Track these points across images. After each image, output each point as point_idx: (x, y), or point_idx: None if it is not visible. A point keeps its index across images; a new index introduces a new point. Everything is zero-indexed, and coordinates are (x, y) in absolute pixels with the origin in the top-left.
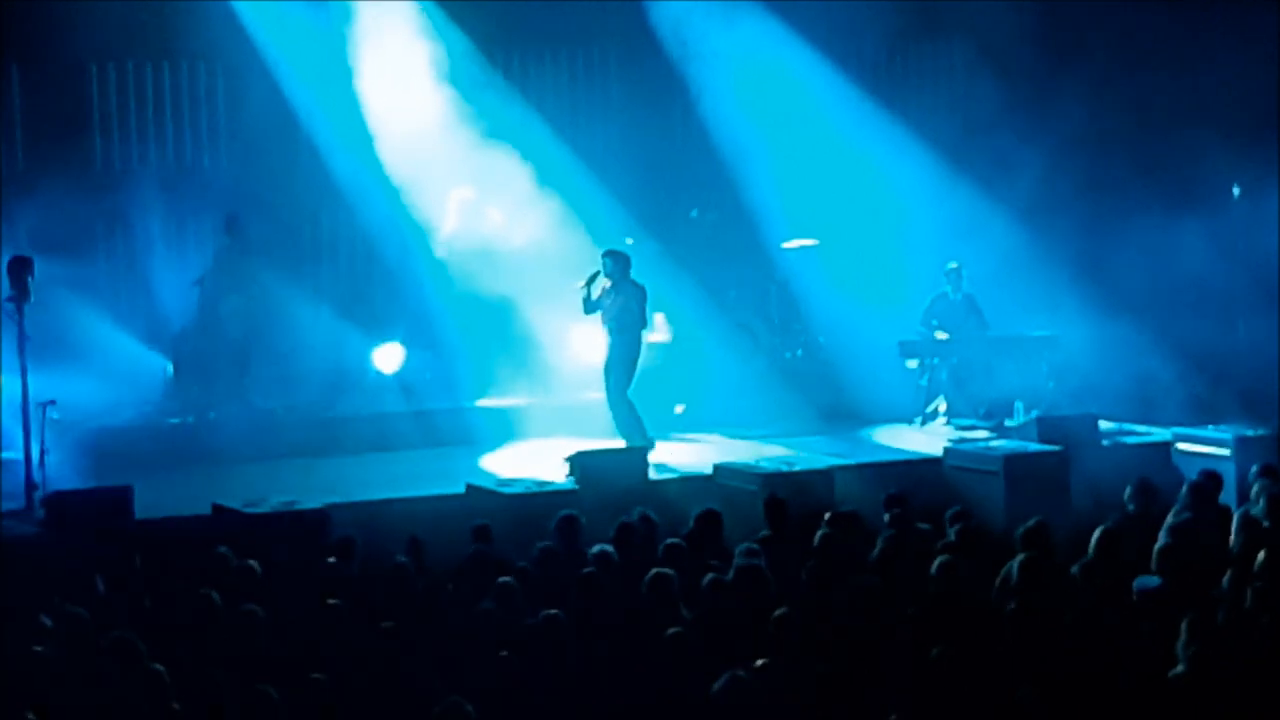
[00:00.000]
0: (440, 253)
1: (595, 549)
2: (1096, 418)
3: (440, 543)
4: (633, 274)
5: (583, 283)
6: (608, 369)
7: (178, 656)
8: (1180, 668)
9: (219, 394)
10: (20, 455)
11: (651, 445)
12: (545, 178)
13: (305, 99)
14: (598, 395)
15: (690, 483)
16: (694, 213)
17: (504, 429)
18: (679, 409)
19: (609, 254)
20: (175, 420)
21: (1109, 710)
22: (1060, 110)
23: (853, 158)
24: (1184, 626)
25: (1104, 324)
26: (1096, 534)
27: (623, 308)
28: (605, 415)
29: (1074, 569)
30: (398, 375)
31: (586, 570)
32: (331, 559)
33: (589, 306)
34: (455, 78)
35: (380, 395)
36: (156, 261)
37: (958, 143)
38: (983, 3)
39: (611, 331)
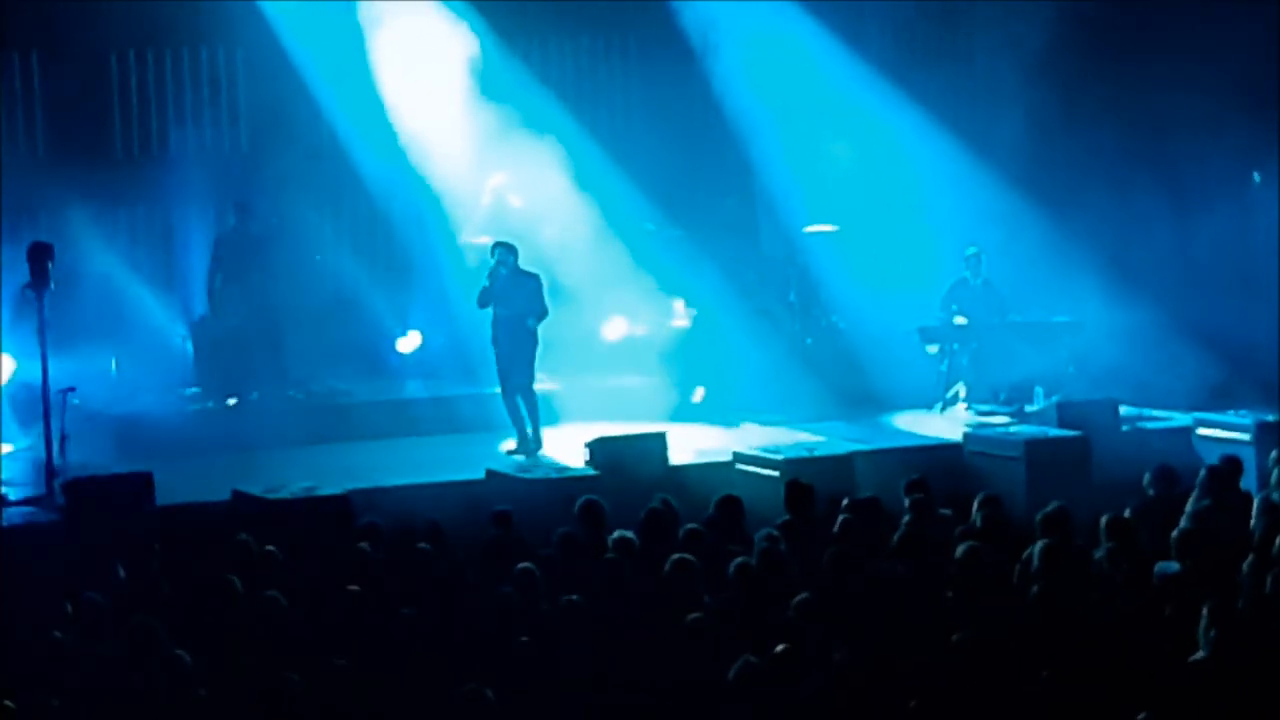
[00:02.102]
0: (470, 239)
1: (616, 535)
2: (1117, 403)
3: (461, 528)
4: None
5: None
6: (513, 361)
7: (198, 642)
8: (1201, 653)
9: (234, 380)
10: (41, 441)
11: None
12: (566, 164)
13: (325, 85)
14: (619, 381)
15: (710, 468)
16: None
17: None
18: (698, 395)
19: (501, 245)
20: (195, 406)
21: (1130, 695)
22: (1080, 96)
23: (873, 143)
24: (1205, 612)
25: (1124, 309)
26: (1108, 519)
27: (525, 300)
28: (629, 401)
29: (1095, 554)
30: (417, 361)
31: (607, 556)
32: (363, 544)
33: (485, 298)
34: (475, 64)
35: (401, 381)
36: (176, 247)
37: (978, 128)
38: None
39: (508, 323)
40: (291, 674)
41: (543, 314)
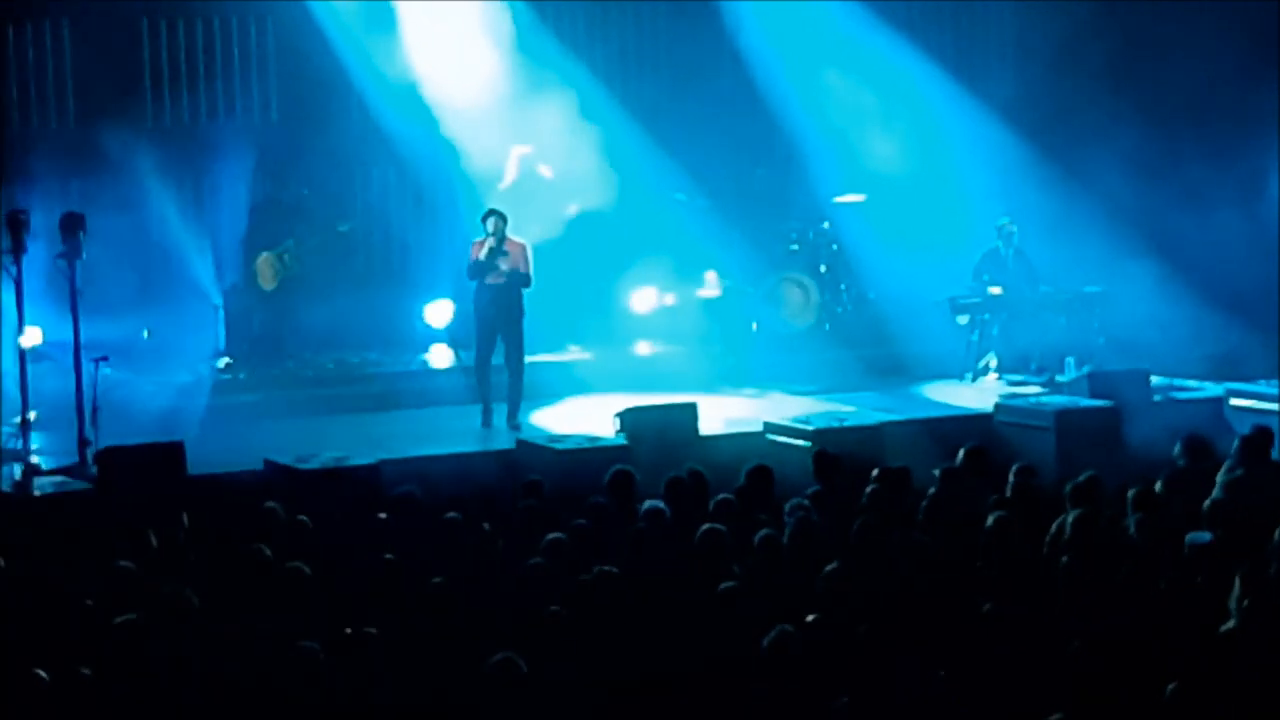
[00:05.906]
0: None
1: (646, 505)
2: (1148, 373)
3: (492, 498)
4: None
5: (487, 248)
6: (511, 324)
7: (229, 611)
8: (1232, 622)
9: (263, 349)
10: (73, 410)
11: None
12: (596, 132)
13: (355, 52)
14: (649, 351)
15: (740, 438)
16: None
17: (555, 384)
18: None
19: (496, 214)
20: (228, 375)
21: (1161, 665)
22: (1106, 62)
23: (904, 112)
24: (1236, 581)
25: (1156, 279)
26: (1136, 490)
27: (514, 265)
28: (659, 371)
29: (1126, 524)
30: (448, 331)
31: (638, 526)
32: (393, 514)
33: (480, 269)
34: (505, 32)
35: (431, 351)
36: (208, 216)
37: (1009, 98)
38: None
39: (503, 290)
40: (320, 643)
41: (529, 282)
